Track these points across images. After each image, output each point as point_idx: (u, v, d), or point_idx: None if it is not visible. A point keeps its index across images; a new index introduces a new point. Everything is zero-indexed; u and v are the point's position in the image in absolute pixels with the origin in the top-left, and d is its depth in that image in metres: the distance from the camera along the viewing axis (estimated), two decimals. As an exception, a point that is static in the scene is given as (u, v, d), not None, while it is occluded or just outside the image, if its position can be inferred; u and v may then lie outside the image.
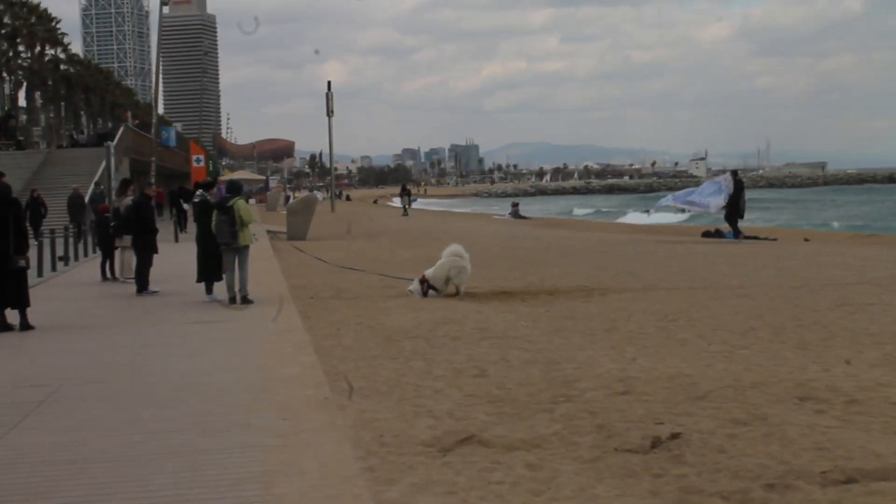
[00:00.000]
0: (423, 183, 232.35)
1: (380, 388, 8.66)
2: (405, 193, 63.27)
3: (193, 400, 8.14)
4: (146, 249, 17.04)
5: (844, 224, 57.18)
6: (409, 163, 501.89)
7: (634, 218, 67.49)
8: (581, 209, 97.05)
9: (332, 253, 25.49)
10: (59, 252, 23.40)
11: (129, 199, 18.31)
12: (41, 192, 33.62)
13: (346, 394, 8.38)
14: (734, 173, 30.56)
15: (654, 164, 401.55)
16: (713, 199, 29.53)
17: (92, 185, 37.38)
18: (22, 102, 73.00)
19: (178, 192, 41.79)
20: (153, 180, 45.29)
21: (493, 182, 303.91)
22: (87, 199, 34.32)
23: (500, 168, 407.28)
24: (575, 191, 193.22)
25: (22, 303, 12.60)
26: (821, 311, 13.06)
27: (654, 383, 8.60)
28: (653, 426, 7.08)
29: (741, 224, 30.46)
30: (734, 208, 29.21)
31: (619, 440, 6.76)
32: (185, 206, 39.01)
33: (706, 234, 35.68)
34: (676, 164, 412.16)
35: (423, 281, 15.97)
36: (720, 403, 7.74)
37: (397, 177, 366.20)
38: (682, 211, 33.41)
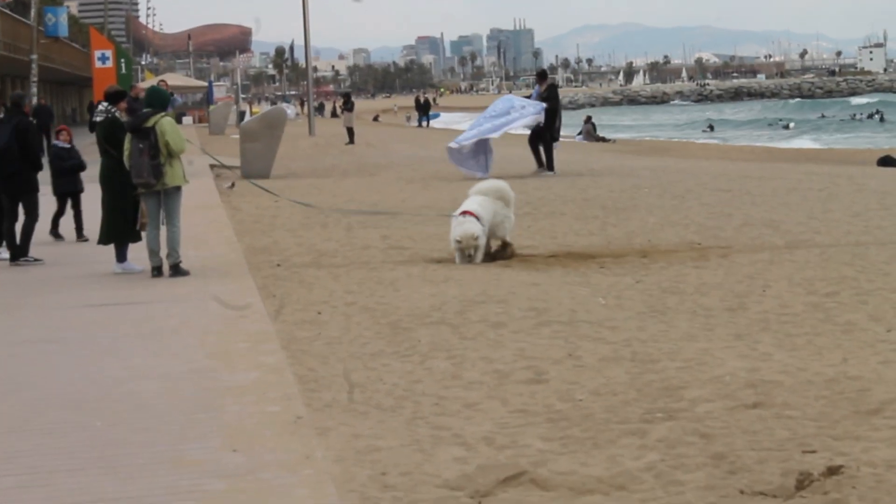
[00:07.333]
0: (442, 90, 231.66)
1: (382, 402, 8.68)
2: (348, 106, 59.38)
3: (95, 424, 8.18)
4: (31, 194, 17.11)
5: None
6: (427, 58, 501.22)
7: (770, 138, 67.27)
8: (691, 125, 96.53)
9: (312, 199, 25.54)
10: None
11: None
12: None
13: (328, 410, 8.38)
14: (542, 76, 30.88)
15: (803, 54, 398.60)
16: (501, 120, 29.30)
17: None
18: None
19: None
20: (35, 89, 45.38)
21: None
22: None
23: (566, 65, 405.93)
24: (682, 97, 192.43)
25: None
26: None
27: (802, 391, 8.58)
28: (800, 456, 7.06)
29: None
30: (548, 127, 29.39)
31: (748, 478, 6.74)
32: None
33: (885, 162, 35.53)
34: (839, 53, 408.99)
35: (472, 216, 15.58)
36: (905, 420, 7.70)
37: (409, 80, 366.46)
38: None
